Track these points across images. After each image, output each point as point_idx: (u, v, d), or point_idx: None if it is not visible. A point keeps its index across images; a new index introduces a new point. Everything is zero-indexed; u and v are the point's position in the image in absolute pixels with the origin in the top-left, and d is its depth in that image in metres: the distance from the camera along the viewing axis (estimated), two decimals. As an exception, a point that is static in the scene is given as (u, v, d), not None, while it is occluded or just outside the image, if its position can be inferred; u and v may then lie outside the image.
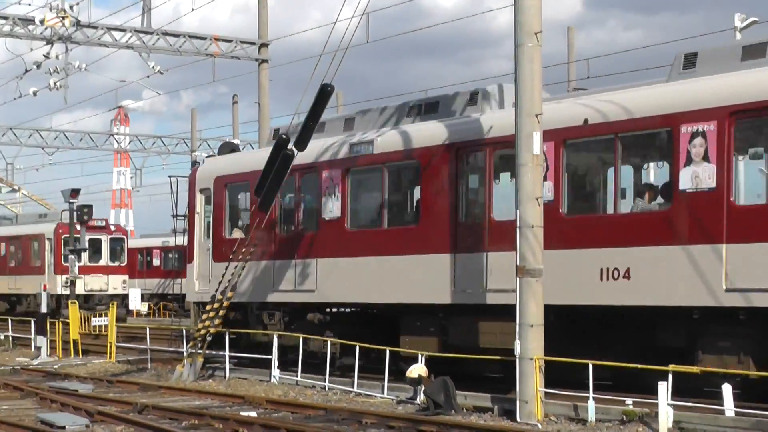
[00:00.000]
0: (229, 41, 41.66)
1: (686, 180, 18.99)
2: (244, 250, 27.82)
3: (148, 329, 32.08)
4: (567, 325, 20.91)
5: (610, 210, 20.93)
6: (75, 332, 34.92)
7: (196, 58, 41.97)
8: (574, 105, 21.56)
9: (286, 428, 18.65)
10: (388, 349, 23.77)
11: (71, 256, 35.60)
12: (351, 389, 24.24)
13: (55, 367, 32.33)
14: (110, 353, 33.35)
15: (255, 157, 29.13)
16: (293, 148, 25.35)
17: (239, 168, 29.64)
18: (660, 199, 20.22)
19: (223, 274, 28.23)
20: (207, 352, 28.44)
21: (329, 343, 25.42)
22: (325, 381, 25.11)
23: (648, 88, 20.54)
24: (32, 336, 36.98)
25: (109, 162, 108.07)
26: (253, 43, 41.86)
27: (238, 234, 29.07)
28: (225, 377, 27.82)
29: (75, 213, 35.62)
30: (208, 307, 28.51)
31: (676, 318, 19.49)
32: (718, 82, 18.95)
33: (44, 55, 39.51)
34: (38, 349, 35.87)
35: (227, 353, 28.11)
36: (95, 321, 34.25)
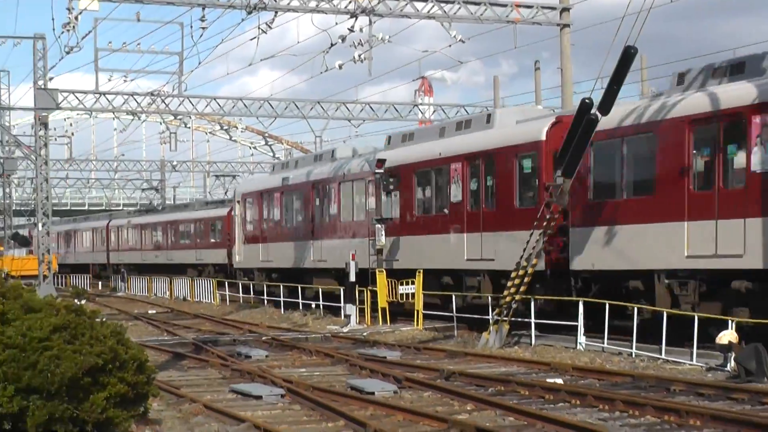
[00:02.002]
0: (530, 7, 41.37)
1: None
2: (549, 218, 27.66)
3: (453, 297, 32.32)
4: None
5: None
6: (383, 300, 35.58)
7: (497, 25, 41.90)
8: None
9: (593, 395, 18.43)
10: (696, 315, 23.21)
11: (378, 226, 36.24)
12: (658, 356, 23.77)
13: (364, 334, 33.03)
14: (417, 321, 33.82)
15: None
16: (597, 113, 25.08)
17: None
18: None
19: (527, 241, 28.19)
20: (513, 319, 28.46)
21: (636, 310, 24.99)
22: (632, 348, 24.70)
23: None
24: (342, 304, 37.91)
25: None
26: (554, 8, 41.46)
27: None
28: (531, 344, 27.77)
29: (382, 183, 36.16)
30: (513, 275, 28.52)
31: None
32: None
33: (349, 29, 40.25)
34: (347, 317, 36.76)
35: (533, 320, 28.04)
36: (402, 289, 34.70)
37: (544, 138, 29.96)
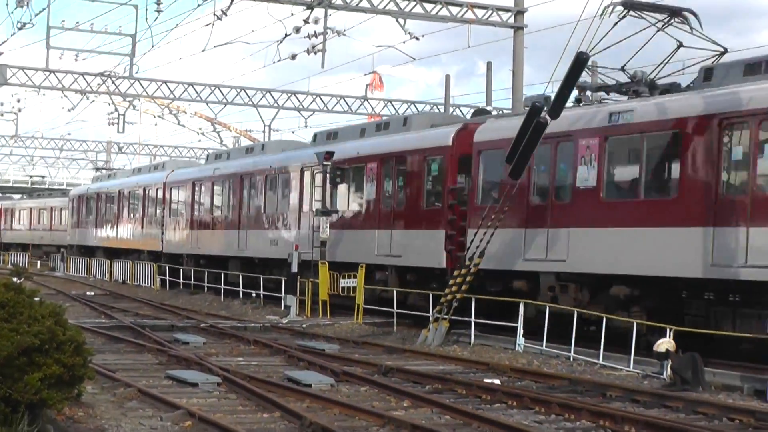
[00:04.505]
0: (485, 8, 41.46)
1: None
2: (493, 216, 27.76)
3: (395, 292, 32.34)
4: None
5: None
6: (324, 293, 35.51)
7: (451, 24, 41.96)
8: None
9: (530, 397, 18.50)
10: (635, 322, 23.40)
11: (323, 218, 36.14)
12: (596, 361, 23.89)
13: (304, 326, 32.97)
14: (357, 315, 33.81)
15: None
16: (547, 117, 25.17)
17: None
18: None
19: (471, 241, 28.32)
20: (452, 317, 28.51)
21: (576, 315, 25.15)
22: (570, 351, 24.83)
23: None
24: (282, 295, 37.82)
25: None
26: (509, 10, 41.58)
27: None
28: (470, 343, 27.83)
29: (329, 175, 36.12)
30: (456, 273, 28.60)
31: None
32: None
33: (304, 20, 40.19)
34: (288, 308, 36.66)
35: (472, 319, 28.10)
36: (344, 282, 34.69)
37: (450, 143, 31.48)
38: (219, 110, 56.87)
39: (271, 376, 21.24)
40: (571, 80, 24.79)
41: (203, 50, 45.79)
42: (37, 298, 13.54)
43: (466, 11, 41.33)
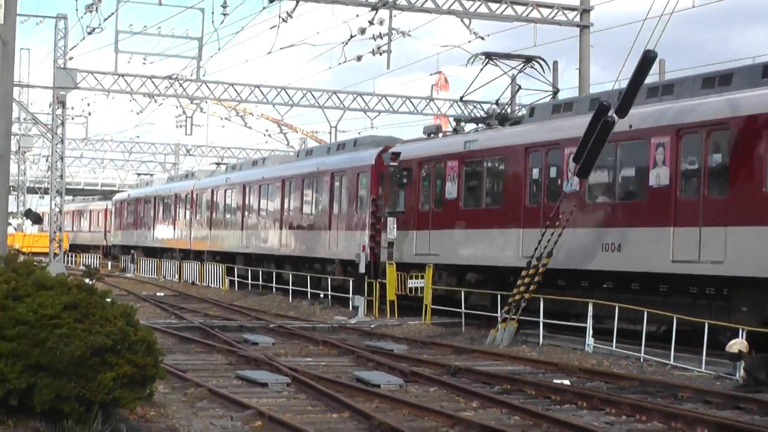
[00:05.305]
0: (550, 7, 41.34)
1: None
2: (561, 216, 27.68)
3: (462, 292, 32.30)
4: None
5: None
6: (392, 293, 35.54)
7: (516, 24, 41.86)
8: None
9: (600, 398, 18.38)
10: (706, 322, 23.17)
11: (389, 219, 36.20)
12: (667, 362, 23.69)
13: (372, 326, 33.01)
14: (425, 315, 33.78)
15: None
16: (614, 116, 25.01)
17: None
18: None
19: (539, 241, 28.23)
20: (521, 317, 28.44)
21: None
22: (640, 352, 24.64)
23: None
24: (350, 295, 37.89)
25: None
26: (574, 9, 41.41)
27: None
28: (538, 344, 27.72)
29: (395, 177, 36.20)
30: (523, 273, 28.53)
31: None
32: None
33: (369, 21, 40.27)
34: (356, 308, 36.71)
35: (541, 319, 27.99)
36: (411, 283, 34.72)
37: (373, 162, 38.88)
38: (285, 112, 57.00)
39: (339, 376, 21.27)
40: (638, 78, 24.61)
41: (269, 52, 46.02)
42: (109, 299, 13.66)
43: (532, 10, 41.25)
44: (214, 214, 57.29)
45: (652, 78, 26.97)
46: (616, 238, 26.66)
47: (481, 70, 35.43)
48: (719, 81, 24.98)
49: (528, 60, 35.42)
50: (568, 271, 28.53)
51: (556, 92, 35.89)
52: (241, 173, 54.95)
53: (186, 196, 62.56)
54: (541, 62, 35.09)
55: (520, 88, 36.50)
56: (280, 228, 47.52)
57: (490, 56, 35.01)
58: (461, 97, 38.98)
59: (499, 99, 36.62)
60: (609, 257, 26.90)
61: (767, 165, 22.77)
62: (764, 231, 22.71)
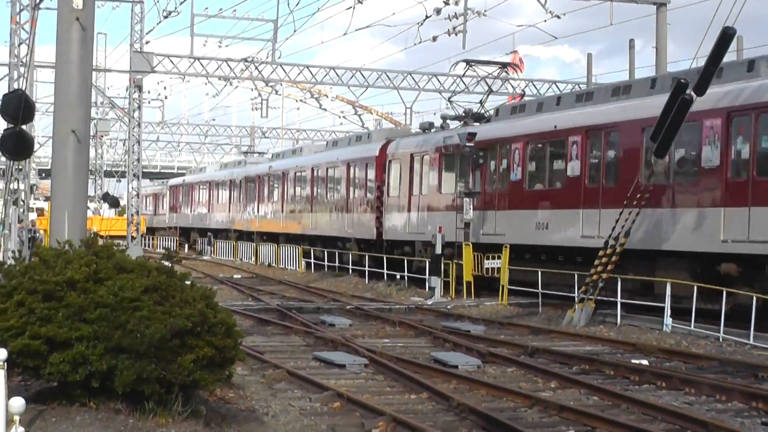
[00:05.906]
0: (627, -16, 40.91)
1: None
2: (639, 195, 27.51)
3: (539, 273, 32.17)
4: None
5: None
6: (468, 274, 35.50)
7: (593, 2, 41.51)
8: None
9: (679, 378, 18.28)
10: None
11: (466, 199, 36.16)
12: (746, 341, 23.45)
13: (448, 307, 33.01)
14: (502, 296, 33.71)
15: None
16: (692, 94, 24.74)
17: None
18: None
19: (617, 220, 28.08)
20: (598, 297, 28.30)
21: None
22: (719, 332, 24.41)
23: None
24: (426, 276, 37.90)
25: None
26: (651, -14, 40.95)
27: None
28: (616, 324, 27.56)
29: (471, 157, 36.21)
30: (600, 253, 28.38)
31: None
32: None
33: (444, 1, 40.15)
34: (432, 289, 36.71)
35: (618, 300, 27.83)
36: (488, 263, 34.66)
37: (377, 154, 45.21)
38: (360, 93, 57.06)
39: (417, 357, 21.31)
40: (717, 56, 24.31)
41: (344, 33, 46.13)
42: (188, 282, 13.75)
43: (608, -12, 40.83)
44: (260, 199, 65.13)
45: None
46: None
47: (464, 74, 43.60)
48: None
49: (503, 66, 43.07)
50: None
51: (522, 95, 44.83)
52: (282, 162, 62.50)
53: (240, 181, 69.85)
54: (516, 67, 41.02)
55: (491, 91, 44.12)
56: (311, 211, 54.19)
57: (469, 63, 41.69)
58: (449, 98, 45.21)
59: (482, 100, 42.42)
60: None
61: None
62: None
